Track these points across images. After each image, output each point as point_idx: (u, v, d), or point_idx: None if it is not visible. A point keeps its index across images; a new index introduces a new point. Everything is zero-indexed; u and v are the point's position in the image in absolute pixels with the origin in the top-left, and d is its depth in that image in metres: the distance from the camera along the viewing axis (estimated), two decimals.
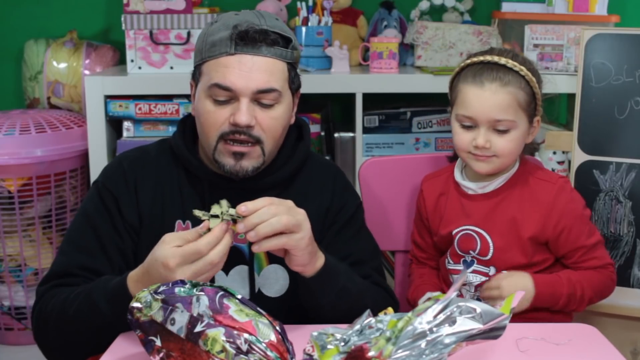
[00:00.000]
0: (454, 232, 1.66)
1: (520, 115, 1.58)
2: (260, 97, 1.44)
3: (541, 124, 1.68)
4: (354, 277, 1.49)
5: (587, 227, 1.64)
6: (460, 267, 1.67)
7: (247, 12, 1.49)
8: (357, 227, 1.62)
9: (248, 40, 1.43)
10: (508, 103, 1.56)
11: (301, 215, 1.34)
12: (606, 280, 1.64)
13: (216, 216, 1.28)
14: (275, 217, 1.29)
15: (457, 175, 1.68)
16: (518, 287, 1.55)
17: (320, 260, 1.40)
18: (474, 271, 1.66)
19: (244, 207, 1.28)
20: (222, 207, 1.29)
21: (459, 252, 1.66)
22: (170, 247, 1.26)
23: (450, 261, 1.68)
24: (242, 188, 1.51)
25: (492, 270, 1.64)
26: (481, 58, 1.61)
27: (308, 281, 1.40)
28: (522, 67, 1.57)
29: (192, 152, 1.54)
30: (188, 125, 1.57)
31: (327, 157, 2.66)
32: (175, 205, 1.53)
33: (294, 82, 1.51)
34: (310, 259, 1.37)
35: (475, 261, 1.65)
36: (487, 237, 1.63)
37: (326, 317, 1.42)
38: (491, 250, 1.63)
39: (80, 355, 1.44)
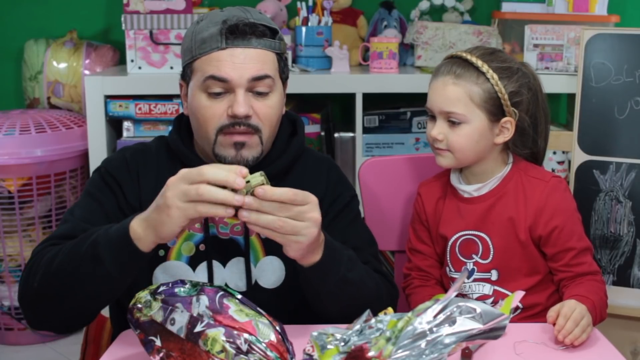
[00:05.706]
0: (453, 237, 1.66)
1: (474, 110, 1.58)
2: (255, 86, 1.45)
3: None
4: (356, 267, 1.47)
5: (578, 229, 1.63)
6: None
7: (231, 8, 1.51)
8: (351, 216, 1.62)
9: (238, 33, 1.44)
10: (457, 96, 1.57)
11: (310, 222, 1.28)
12: (602, 287, 1.61)
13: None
14: (275, 221, 1.25)
15: (454, 180, 1.68)
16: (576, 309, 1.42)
17: (317, 255, 1.38)
18: (475, 280, 1.64)
19: (261, 190, 1.24)
20: (254, 179, 1.25)
21: (461, 259, 1.65)
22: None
23: (452, 269, 1.67)
24: None
25: (494, 275, 1.63)
26: (454, 54, 1.63)
27: (305, 271, 1.40)
28: (484, 64, 1.57)
29: (188, 147, 1.55)
30: (184, 122, 1.58)
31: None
32: None
33: (284, 72, 1.53)
34: (304, 254, 1.35)
35: (476, 269, 1.64)
36: (487, 238, 1.63)
37: (325, 306, 1.42)
38: (492, 252, 1.62)
39: (64, 320, 1.40)
